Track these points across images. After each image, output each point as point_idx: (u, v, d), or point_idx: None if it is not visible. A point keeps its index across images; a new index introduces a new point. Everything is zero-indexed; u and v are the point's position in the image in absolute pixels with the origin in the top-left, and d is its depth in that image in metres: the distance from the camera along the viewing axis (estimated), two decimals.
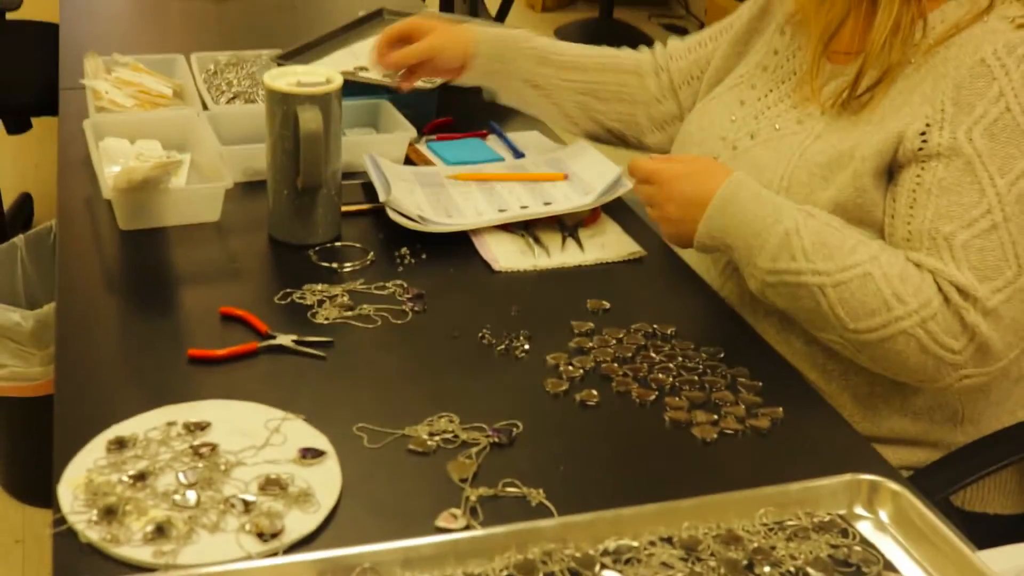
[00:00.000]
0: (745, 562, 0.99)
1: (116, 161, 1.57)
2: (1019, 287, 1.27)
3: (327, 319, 1.32)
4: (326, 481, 1.05)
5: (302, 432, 1.12)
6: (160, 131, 1.67)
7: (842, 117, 1.40)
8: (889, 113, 1.36)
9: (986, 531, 1.48)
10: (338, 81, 1.43)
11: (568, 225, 1.54)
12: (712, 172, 1.38)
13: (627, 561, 0.98)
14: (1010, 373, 1.46)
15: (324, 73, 1.45)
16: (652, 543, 1.00)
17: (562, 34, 5.33)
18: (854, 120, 1.39)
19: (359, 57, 1.92)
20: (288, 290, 1.37)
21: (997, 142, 1.29)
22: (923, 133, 1.31)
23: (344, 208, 1.53)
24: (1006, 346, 1.29)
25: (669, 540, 1.01)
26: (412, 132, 1.69)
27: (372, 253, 1.47)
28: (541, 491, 1.07)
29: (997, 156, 1.28)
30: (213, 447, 1.08)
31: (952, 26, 1.35)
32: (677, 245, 1.45)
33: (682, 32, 4.65)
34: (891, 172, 1.36)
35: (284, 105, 1.40)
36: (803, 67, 1.50)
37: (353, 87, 1.82)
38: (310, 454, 1.08)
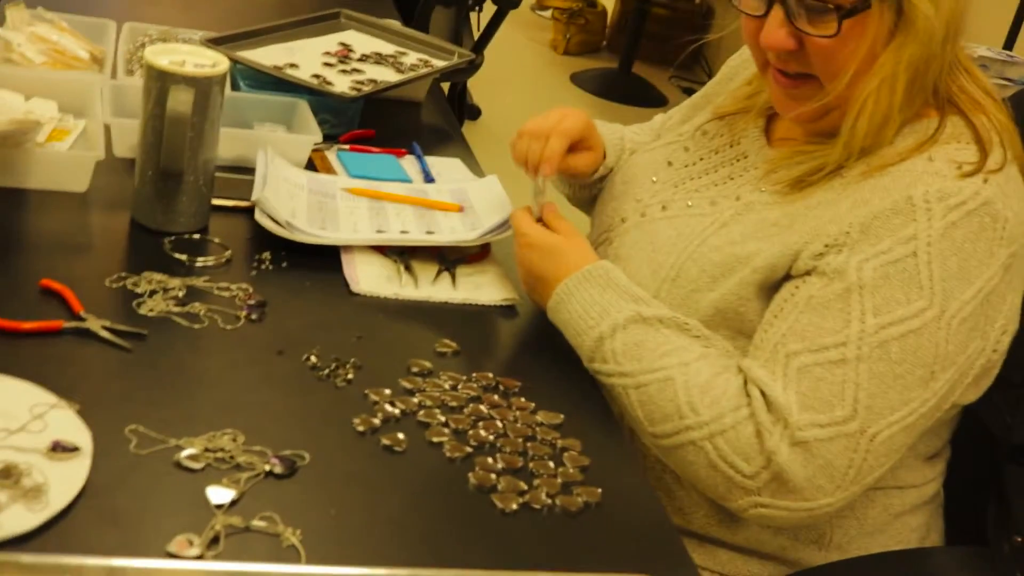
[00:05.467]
0: None
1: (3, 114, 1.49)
2: (846, 432, 1.16)
3: (151, 311, 1.24)
4: (67, 480, 0.96)
5: (67, 424, 1.03)
6: (60, 93, 1.60)
7: (753, 210, 1.32)
8: (798, 220, 1.26)
9: None
10: (223, 67, 1.35)
11: (449, 259, 1.45)
12: (566, 260, 1.34)
13: None
14: (891, 506, 1.36)
15: (213, 57, 1.37)
16: None
17: (578, 81, 5.27)
18: (763, 217, 1.30)
19: (294, 54, 1.84)
20: (125, 274, 1.29)
21: (887, 282, 1.18)
22: (820, 254, 1.22)
23: (217, 202, 1.45)
24: (814, 488, 1.17)
25: None
26: (317, 137, 1.61)
27: (230, 252, 1.38)
28: (298, 532, 0.97)
29: (880, 294, 1.18)
30: None
31: (897, 155, 1.24)
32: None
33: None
34: (777, 286, 1.27)
35: (159, 83, 1.32)
36: (742, 150, 1.41)
37: (278, 83, 1.75)
38: (61, 448, 0.99)
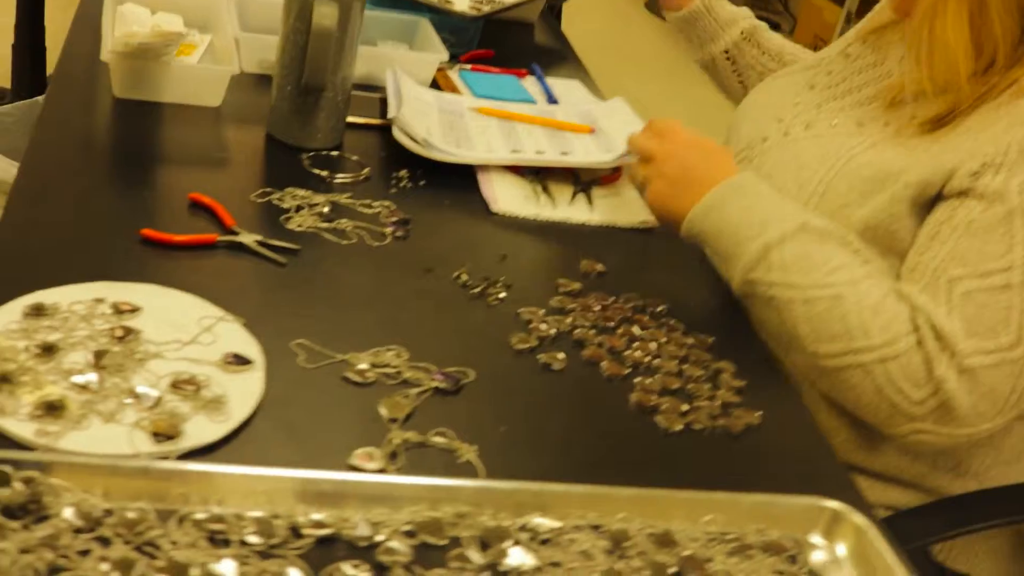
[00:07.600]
0: (674, 569, 0.89)
1: (130, 28, 1.48)
2: (1012, 358, 1.14)
3: (300, 226, 1.23)
4: (245, 392, 0.96)
5: (236, 336, 1.03)
6: (185, 7, 1.58)
7: (903, 134, 1.29)
8: (951, 145, 1.23)
9: None
10: None
11: (583, 180, 1.43)
12: (717, 163, 1.28)
13: (544, 542, 0.88)
14: None
15: None
16: (578, 528, 0.90)
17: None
18: (914, 141, 1.27)
19: None
20: (269, 189, 1.28)
21: None
22: (976, 173, 1.19)
23: (351, 119, 1.44)
24: (976, 414, 1.15)
25: (597, 528, 0.91)
26: (444, 55, 1.59)
27: (368, 169, 1.37)
28: (475, 448, 0.97)
29: None
30: (136, 333, 1.00)
31: None
32: (662, 223, 1.32)
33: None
34: (931, 205, 1.24)
35: None
36: (887, 69, 1.39)
37: (396, 1, 1.73)
38: (235, 360, 0.99)
